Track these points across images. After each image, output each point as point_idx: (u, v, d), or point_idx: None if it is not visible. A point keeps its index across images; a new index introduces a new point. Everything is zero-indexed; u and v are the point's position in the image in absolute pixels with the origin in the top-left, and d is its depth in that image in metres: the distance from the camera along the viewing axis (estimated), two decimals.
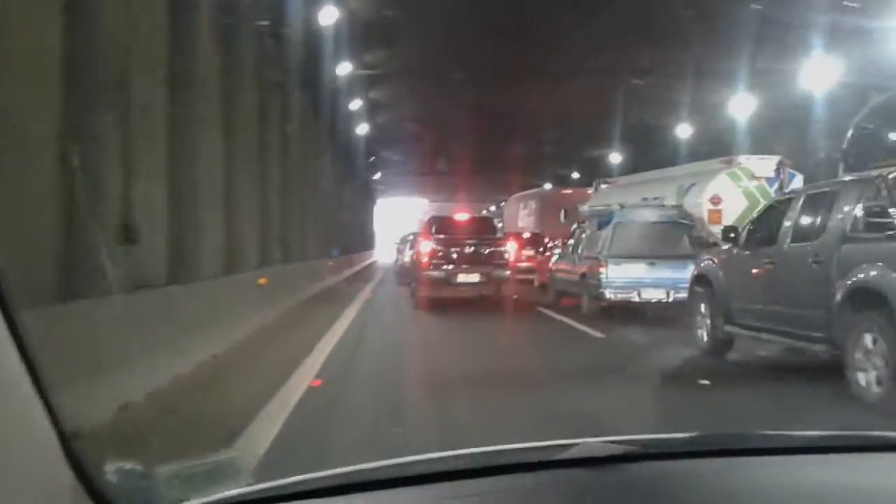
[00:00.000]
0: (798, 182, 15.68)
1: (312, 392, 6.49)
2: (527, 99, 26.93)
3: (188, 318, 7.77)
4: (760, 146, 19.45)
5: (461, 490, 1.32)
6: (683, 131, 26.37)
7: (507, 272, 14.15)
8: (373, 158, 37.26)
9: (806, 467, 1.47)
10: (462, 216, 15.97)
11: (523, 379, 7.18)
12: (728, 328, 7.76)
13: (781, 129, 21.50)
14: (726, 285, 7.78)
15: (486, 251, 13.95)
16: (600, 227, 12.41)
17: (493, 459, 1.44)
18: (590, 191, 27.83)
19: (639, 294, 11.65)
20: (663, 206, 13.11)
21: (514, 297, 17.22)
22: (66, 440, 1.05)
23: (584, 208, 24.57)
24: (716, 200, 13.81)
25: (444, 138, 32.67)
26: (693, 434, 1.57)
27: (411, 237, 22.83)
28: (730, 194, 13.83)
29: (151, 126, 8.64)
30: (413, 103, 26.47)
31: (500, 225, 24.31)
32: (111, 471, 1.16)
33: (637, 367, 7.92)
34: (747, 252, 7.52)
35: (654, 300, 11.75)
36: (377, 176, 45.34)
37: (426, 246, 14.09)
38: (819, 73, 18.97)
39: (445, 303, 14.74)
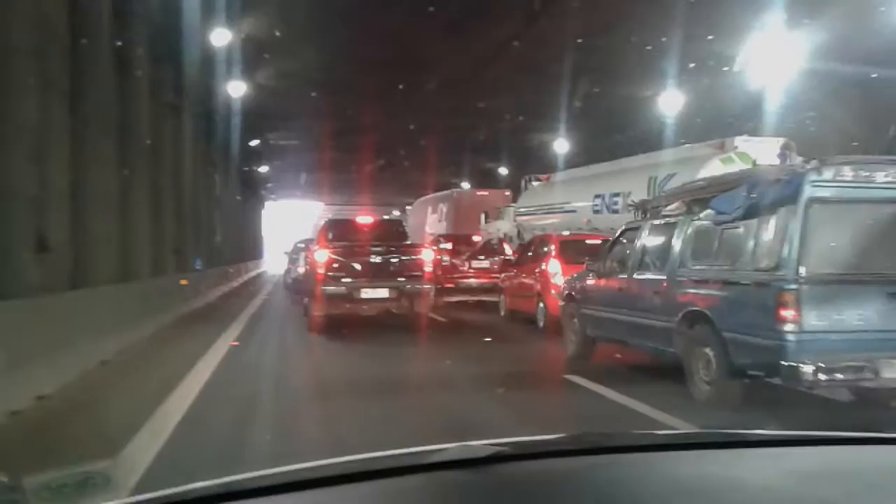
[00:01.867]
0: None
1: None
2: (445, 72, 19.72)
3: None
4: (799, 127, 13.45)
5: (339, 495, 1.34)
6: (668, 106, 19.89)
7: (424, 285, 11.48)
8: (257, 142, 28.55)
9: (670, 463, 1.54)
10: (365, 219, 13.72)
11: None
12: None
13: (838, 97, 15.47)
14: None
15: (396, 260, 11.58)
16: (752, 211, 5.44)
17: (371, 464, 1.42)
18: (507, 193, 24.44)
19: (875, 368, 4.83)
20: None
21: (487, 339, 10.64)
22: None
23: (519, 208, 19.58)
24: None
25: (344, 124, 24.93)
26: (565, 434, 1.64)
27: (304, 245, 19.07)
28: None
29: None
30: (305, 57, 18.60)
31: None
32: None
33: None
34: None
35: None
36: (264, 168, 36.11)
37: (322, 255, 11.44)
38: None
39: (373, 352, 9.64)
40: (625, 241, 7.59)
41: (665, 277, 6.45)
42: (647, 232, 7.08)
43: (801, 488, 1.37)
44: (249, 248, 35.46)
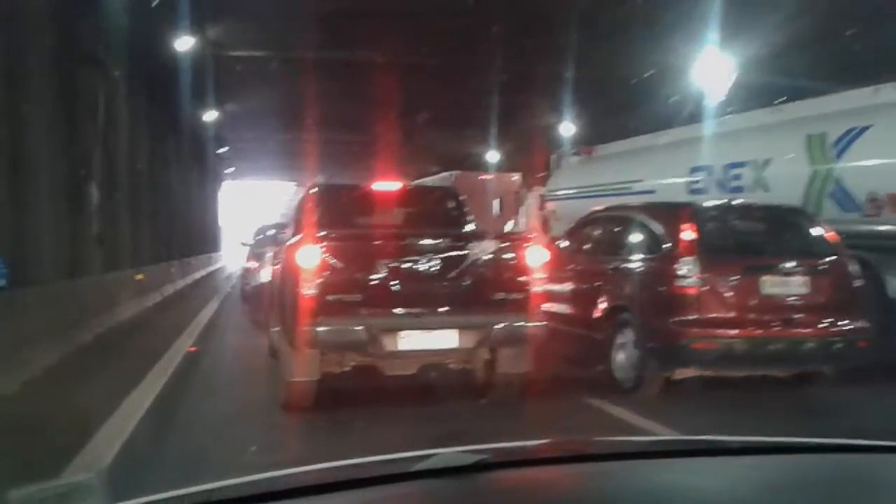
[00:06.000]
0: None
1: None
2: None
3: None
4: None
5: None
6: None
7: (531, 322, 5.66)
8: (192, 42, 14.92)
9: (650, 471, 1.54)
10: (386, 186, 7.27)
11: None
12: None
13: None
14: None
15: (466, 266, 5.61)
16: None
17: (352, 473, 1.43)
18: (515, 177, 21.45)
19: None
20: None
21: None
22: None
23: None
24: None
25: (326, 87, 16.66)
26: (546, 441, 1.72)
27: (273, 233, 12.65)
28: None
29: None
30: None
31: None
32: None
33: None
34: None
35: None
36: (211, 116, 22.81)
37: (310, 255, 5.33)
38: None
39: None
40: None
41: None
42: None
43: (775, 499, 1.39)
44: (196, 238, 26.66)
